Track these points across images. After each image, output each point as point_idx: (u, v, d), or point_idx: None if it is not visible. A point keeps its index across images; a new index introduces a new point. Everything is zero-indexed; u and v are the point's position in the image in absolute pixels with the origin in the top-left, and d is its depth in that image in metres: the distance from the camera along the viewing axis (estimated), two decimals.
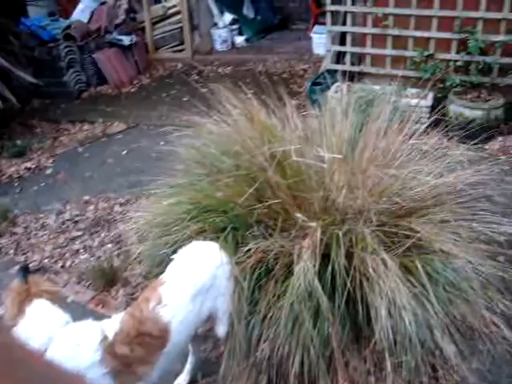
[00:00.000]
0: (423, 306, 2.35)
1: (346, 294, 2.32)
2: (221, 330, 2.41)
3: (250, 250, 2.46)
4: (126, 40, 7.65)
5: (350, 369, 2.44)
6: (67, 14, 7.94)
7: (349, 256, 2.39)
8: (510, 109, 4.92)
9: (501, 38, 4.91)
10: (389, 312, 2.27)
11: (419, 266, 2.40)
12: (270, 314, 2.37)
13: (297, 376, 2.29)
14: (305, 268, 2.27)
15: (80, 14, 7.72)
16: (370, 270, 2.32)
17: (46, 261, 3.75)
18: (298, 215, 2.46)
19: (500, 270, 2.65)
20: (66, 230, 4.11)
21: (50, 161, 5.48)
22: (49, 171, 5.27)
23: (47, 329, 1.83)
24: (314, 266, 2.29)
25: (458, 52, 5.19)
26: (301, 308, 2.28)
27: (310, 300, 2.30)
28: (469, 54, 5.05)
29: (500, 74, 5.07)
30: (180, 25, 8.31)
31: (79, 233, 4.04)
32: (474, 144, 3.67)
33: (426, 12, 5.19)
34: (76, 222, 4.21)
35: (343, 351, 2.40)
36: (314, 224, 2.42)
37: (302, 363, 2.29)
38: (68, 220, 4.24)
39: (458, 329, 2.53)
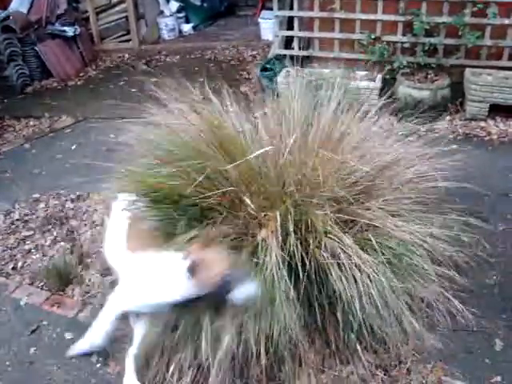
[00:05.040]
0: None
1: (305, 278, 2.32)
2: None
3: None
4: (70, 31, 7.40)
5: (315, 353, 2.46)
6: (4, 5, 7.60)
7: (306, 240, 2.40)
8: (455, 88, 5.03)
9: (444, 19, 5.01)
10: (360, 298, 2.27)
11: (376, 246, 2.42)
12: None
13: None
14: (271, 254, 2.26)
15: (18, 4, 7.39)
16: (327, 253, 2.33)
17: None
18: (248, 201, 2.43)
19: None
20: (15, 230, 3.97)
21: None
22: None
23: None
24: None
25: (404, 34, 5.26)
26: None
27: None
28: (414, 35, 5.14)
29: (445, 55, 5.18)
30: (125, 14, 8.12)
31: (30, 232, 3.90)
32: (424, 124, 3.73)
33: None
34: (26, 221, 4.06)
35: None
36: (272, 213, 2.41)
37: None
38: (18, 220, 4.09)
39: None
